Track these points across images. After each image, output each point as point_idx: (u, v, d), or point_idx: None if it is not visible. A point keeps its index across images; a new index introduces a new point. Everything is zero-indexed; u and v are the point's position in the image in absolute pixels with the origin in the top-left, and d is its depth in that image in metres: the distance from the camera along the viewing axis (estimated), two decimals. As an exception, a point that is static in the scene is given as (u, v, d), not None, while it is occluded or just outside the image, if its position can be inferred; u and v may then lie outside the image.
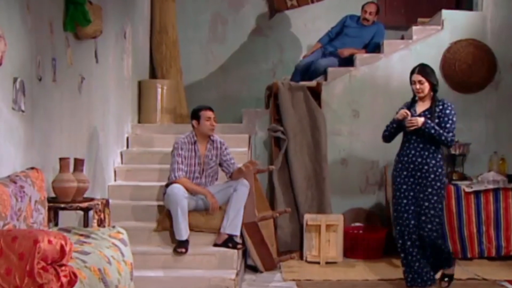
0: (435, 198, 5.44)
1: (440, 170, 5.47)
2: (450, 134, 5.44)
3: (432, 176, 5.44)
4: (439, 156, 5.51)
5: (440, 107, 5.50)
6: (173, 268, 5.66)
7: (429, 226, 5.42)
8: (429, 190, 5.44)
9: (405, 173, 5.53)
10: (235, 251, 5.78)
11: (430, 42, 7.53)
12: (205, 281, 5.45)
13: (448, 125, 5.44)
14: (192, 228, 5.83)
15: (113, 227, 4.65)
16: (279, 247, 6.76)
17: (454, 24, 7.55)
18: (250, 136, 7.40)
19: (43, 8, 4.95)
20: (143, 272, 5.26)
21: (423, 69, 5.56)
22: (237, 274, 5.62)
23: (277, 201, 6.99)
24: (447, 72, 7.50)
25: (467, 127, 7.45)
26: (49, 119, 5.07)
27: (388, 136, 5.76)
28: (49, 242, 2.86)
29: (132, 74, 7.68)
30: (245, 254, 6.29)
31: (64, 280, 2.92)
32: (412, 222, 5.46)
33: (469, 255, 6.79)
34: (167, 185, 5.93)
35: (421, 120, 5.41)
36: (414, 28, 7.65)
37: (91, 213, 5.04)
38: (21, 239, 2.82)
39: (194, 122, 6.02)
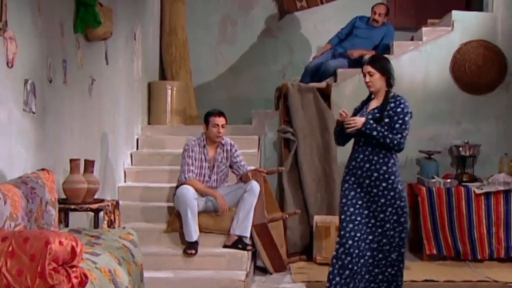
0: (391, 210, 4.71)
1: (393, 177, 4.71)
2: (398, 136, 4.67)
3: (384, 184, 4.70)
4: (392, 161, 4.74)
5: (392, 104, 4.75)
6: (183, 269, 5.67)
7: (387, 248, 4.76)
8: (382, 201, 4.71)
9: (352, 179, 4.81)
10: (245, 252, 5.79)
11: (440, 43, 7.51)
12: (215, 282, 5.46)
13: (397, 126, 4.68)
14: (202, 230, 5.83)
15: (123, 228, 4.67)
16: (288, 249, 6.76)
17: (464, 25, 7.53)
18: (260, 138, 7.41)
19: (54, 10, 4.97)
20: (153, 273, 5.26)
21: (374, 59, 4.88)
22: (246, 276, 5.62)
23: (286, 203, 6.99)
24: (457, 74, 7.48)
25: (477, 128, 7.43)
26: (60, 120, 5.09)
27: (337, 140, 5.06)
28: (60, 243, 2.87)
29: (142, 75, 7.70)
30: (254, 256, 6.29)
31: (75, 281, 2.93)
32: (358, 235, 4.72)
33: (479, 257, 6.77)
34: (177, 187, 5.95)
35: (361, 120, 4.69)
36: (424, 29, 7.64)
37: (101, 214, 5.06)
38: (33, 240, 2.84)
39: (204, 126, 6.04)
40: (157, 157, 7.19)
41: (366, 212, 4.76)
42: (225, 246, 5.87)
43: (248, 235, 5.91)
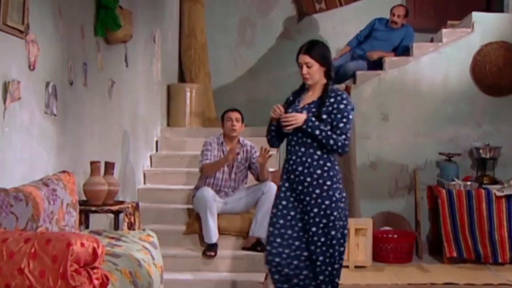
0: (325, 222, 4.03)
1: (329, 183, 4.06)
2: (343, 137, 4.05)
3: (318, 191, 4.03)
4: (329, 164, 4.10)
5: (332, 99, 4.10)
6: (202, 271, 5.69)
7: (320, 267, 4.07)
8: (315, 210, 4.02)
9: (286, 184, 4.17)
10: (264, 254, 5.77)
11: (460, 45, 7.46)
12: (234, 284, 5.47)
13: (341, 125, 4.05)
14: (221, 232, 5.84)
15: (143, 230, 4.69)
16: (307, 251, 6.74)
17: (485, 27, 7.47)
18: (279, 140, 7.39)
19: (75, 13, 5.01)
20: (172, 275, 5.28)
21: (312, 48, 4.18)
22: (265, 278, 5.61)
23: (305, 205, 6.97)
24: (478, 75, 7.42)
25: (498, 130, 7.37)
26: (80, 123, 5.13)
27: (271, 140, 4.35)
28: (82, 245, 2.89)
29: (161, 78, 7.73)
30: (273, 258, 6.27)
31: (96, 282, 2.95)
32: (286, 251, 4.09)
33: (500, 260, 6.71)
34: (196, 188, 5.96)
35: (301, 117, 4.04)
36: (444, 30, 7.59)
37: (121, 216, 5.08)
38: (55, 242, 2.86)
39: (222, 124, 6.13)
40: (176, 159, 7.21)
41: (300, 224, 4.10)
42: (244, 248, 5.87)
43: (267, 237, 5.90)
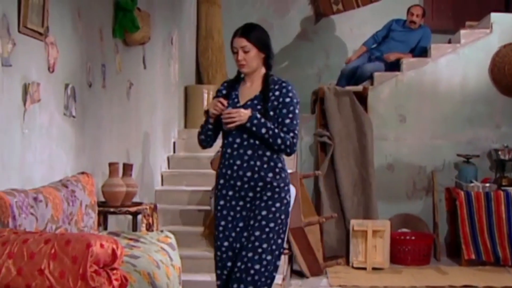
0: (272, 225, 3.60)
1: (282, 185, 3.66)
2: (291, 135, 3.60)
3: (269, 194, 3.60)
4: (280, 165, 3.66)
5: (277, 92, 3.64)
6: (220, 273, 5.68)
7: (255, 267, 3.59)
8: (263, 213, 3.59)
9: (230, 193, 3.65)
10: (282, 256, 5.77)
11: (479, 46, 7.41)
12: (252, 285, 5.46)
13: (287, 121, 3.59)
14: (238, 233, 5.84)
15: (161, 231, 4.70)
16: (325, 253, 6.74)
17: (503, 27, 7.42)
18: (296, 141, 7.39)
19: (94, 15, 5.04)
20: (190, 276, 5.29)
21: (249, 30, 3.66)
22: (283, 279, 5.62)
23: (323, 207, 6.97)
24: (496, 76, 7.36)
25: (517, 132, 7.33)
26: (99, 124, 5.15)
27: (205, 140, 3.78)
28: (101, 246, 2.91)
29: (179, 79, 7.75)
30: (291, 259, 6.28)
31: (115, 283, 2.96)
32: (238, 264, 3.64)
33: (519, 262, 6.67)
34: (214, 190, 5.96)
35: (246, 113, 3.54)
36: (462, 31, 7.55)
37: (139, 217, 5.10)
38: (75, 243, 2.88)
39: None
40: (193, 160, 7.23)
41: (245, 237, 3.65)
42: (261, 250, 5.86)
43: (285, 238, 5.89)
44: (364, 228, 6.66)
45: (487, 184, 6.84)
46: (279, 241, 3.66)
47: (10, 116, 3.76)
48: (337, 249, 6.89)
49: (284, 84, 3.68)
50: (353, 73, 7.89)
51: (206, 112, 3.74)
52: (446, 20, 8.92)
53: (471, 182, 6.88)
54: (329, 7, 8.65)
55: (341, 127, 7.16)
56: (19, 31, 3.82)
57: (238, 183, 3.62)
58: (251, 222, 3.61)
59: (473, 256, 6.70)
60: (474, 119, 7.35)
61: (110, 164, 4.97)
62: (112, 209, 4.91)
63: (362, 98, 7.30)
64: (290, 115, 3.61)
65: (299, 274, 6.26)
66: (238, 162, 3.61)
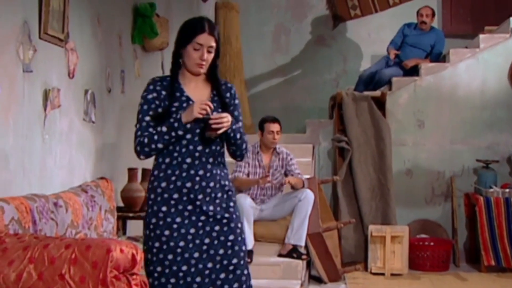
0: (232, 238, 3.17)
1: (234, 197, 3.31)
2: (244, 138, 3.31)
3: (224, 205, 3.21)
4: (227, 170, 3.32)
5: (228, 94, 3.34)
6: (238, 278, 5.68)
7: None
8: (216, 228, 3.15)
9: (180, 207, 3.11)
10: (300, 261, 5.78)
11: (498, 51, 7.37)
12: (270, 291, 5.47)
13: (240, 124, 3.31)
14: (257, 238, 5.85)
15: (180, 236, 4.70)
16: (343, 258, 6.72)
17: (523, 32, 7.38)
18: (314, 146, 7.40)
19: (113, 21, 5.08)
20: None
21: (215, 29, 3.25)
22: (301, 285, 5.61)
23: (341, 212, 6.95)
24: (516, 81, 7.32)
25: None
26: (118, 129, 5.18)
27: (158, 149, 3.14)
28: (121, 251, 2.92)
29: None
30: (309, 265, 6.27)
31: (135, 288, 2.98)
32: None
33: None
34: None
35: (229, 117, 3.16)
36: (481, 36, 7.50)
37: (158, 222, 5.10)
38: (95, 248, 2.89)
39: (259, 132, 6.09)
40: (211, 165, 7.22)
41: (201, 261, 3.11)
42: (280, 255, 5.86)
43: (303, 244, 5.89)
44: (382, 233, 6.63)
45: (507, 190, 6.78)
46: (244, 248, 3.22)
47: (31, 121, 3.79)
48: (355, 254, 6.87)
49: (229, 85, 3.39)
50: (371, 78, 7.87)
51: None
52: (465, 25, 8.87)
53: (491, 187, 6.83)
54: (347, 12, 8.63)
55: (359, 132, 7.15)
56: (40, 38, 3.86)
57: (200, 197, 3.13)
58: (215, 242, 3.13)
59: (492, 262, 6.65)
60: (493, 124, 7.30)
61: (129, 170, 4.99)
62: (131, 214, 4.93)
63: (380, 103, 7.28)
64: (240, 118, 3.35)
65: (317, 280, 6.24)
66: (201, 173, 3.16)
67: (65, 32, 4.14)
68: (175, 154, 3.15)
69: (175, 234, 3.05)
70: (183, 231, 3.07)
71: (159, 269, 2.99)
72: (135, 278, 3.01)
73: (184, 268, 3.03)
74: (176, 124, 3.10)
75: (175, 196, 3.11)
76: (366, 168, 7.08)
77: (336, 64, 9.16)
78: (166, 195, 3.11)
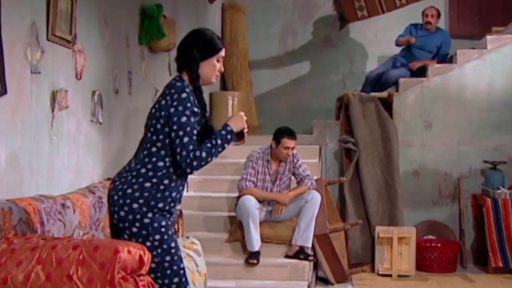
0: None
1: None
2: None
3: None
4: None
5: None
6: (245, 279, 5.69)
7: None
8: None
9: (171, 219, 3.28)
10: (307, 262, 5.77)
11: (505, 52, 7.35)
12: (277, 292, 5.47)
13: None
14: (263, 240, 5.85)
15: (187, 237, 4.71)
16: (350, 259, 6.71)
17: (530, 33, 7.36)
18: (321, 148, 7.39)
19: (120, 23, 5.09)
20: (215, 283, 5.30)
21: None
22: (308, 286, 5.61)
23: (348, 213, 6.94)
24: (524, 82, 7.30)
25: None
26: (125, 131, 5.19)
27: (209, 162, 3.15)
28: (129, 252, 2.92)
29: (204, 86, 7.76)
30: (316, 266, 6.27)
31: (142, 289, 2.98)
32: None
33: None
34: (238, 197, 5.97)
35: None
36: (488, 37, 7.48)
37: (165, 223, 5.11)
38: (102, 249, 2.89)
39: (273, 142, 5.99)
40: (218, 167, 7.22)
41: None
42: (286, 256, 5.86)
43: (310, 245, 5.89)
44: (389, 235, 6.62)
45: (515, 191, 6.78)
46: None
47: (39, 123, 3.80)
48: (362, 256, 6.86)
49: None
50: (378, 79, 7.86)
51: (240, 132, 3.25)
52: (472, 26, 8.86)
53: (498, 188, 6.82)
54: (353, 13, 8.62)
55: (366, 133, 7.14)
56: (47, 39, 3.87)
57: (173, 210, 3.26)
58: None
59: (500, 264, 6.63)
60: (500, 125, 7.28)
61: (136, 171, 4.98)
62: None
63: (387, 104, 7.27)
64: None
65: (324, 281, 6.24)
66: (181, 188, 3.29)
67: (72, 34, 4.14)
68: (174, 177, 3.18)
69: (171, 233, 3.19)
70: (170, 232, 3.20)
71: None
72: (143, 279, 3.01)
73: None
74: (229, 136, 3.16)
75: (167, 208, 3.20)
76: (373, 169, 7.08)
77: (343, 65, 9.16)
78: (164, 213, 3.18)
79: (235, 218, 6.09)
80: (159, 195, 3.13)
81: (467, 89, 7.36)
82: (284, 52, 9.30)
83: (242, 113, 3.26)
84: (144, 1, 5.61)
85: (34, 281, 2.88)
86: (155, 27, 5.59)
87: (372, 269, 6.72)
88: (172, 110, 3.10)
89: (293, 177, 6.14)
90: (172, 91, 3.16)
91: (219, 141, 3.12)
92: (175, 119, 3.08)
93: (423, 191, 7.32)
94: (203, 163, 3.10)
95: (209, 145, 3.11)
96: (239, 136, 3.24)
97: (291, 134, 5.94)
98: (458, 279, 6.47)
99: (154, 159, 3.16)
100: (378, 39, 9.01)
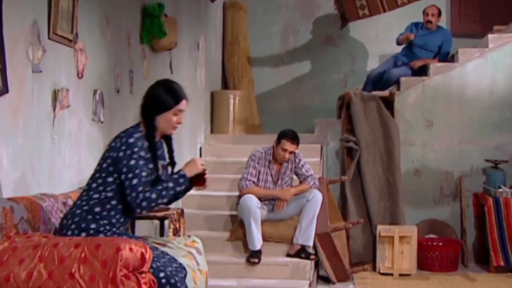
0: None
1: None
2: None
3: None
4: None
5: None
6: (246, 278, 5.69)
7: None
8: None
9: None
10: (308, 261, 5.77)
11: (507, 50, 7.34)
12: (278, 291, 5.47)
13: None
14: (265, 238, 5.85)
15: (189, 236, 4.71)
16: (351, 258, 6.71)
17: (532, 31, 7.35)
18: (322, 146, 7.39)
19: (121, 22, 5.09)
20: (216, 281, 5.29)
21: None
22: (310, 285, 5.61)
23: (349, 212, 6.94)
24: (525, 81, 7.30)
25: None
26: (127, 130, 5.18)
27: (159, 204, 3.42)
28: (131, 250, 2.93)
29: (205, 85, 7.78)
30: (317, 265, 6.27)
31: (144, 287, 2.98)
32: None
33: None
34: (240, 196, 5.97)
35: None
36: (490, 36, 7.48)
37: (166, 222, 5.12)
38: (104, 247, 2.90)
39: (275, 142, 5.97)
40: (220, 165, 7.24)
41: None
42: (288, 255, 5.86)
43: (311, 244, 5.89)
44: (391, 233, 6.62)
45: (516, 190, 6.78)
46: None
47: (40, 121, 3.81)
48: (364, 254, 6.86)
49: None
50: (379, 78, 7.86)
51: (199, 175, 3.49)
52: (474, 25, 8.86)
53: (500, 187, 6.81)
54: (355, 12, 8.62)
55: (368, 132, 7.14)
56: (49, 38, 3.87)
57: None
58: None
59: (502, 263, 6.63)
60: (502, 124, 7.28)
61: (138, 169, 4.99)
62: (139, 214, 4.92)
63: (388, 103, 7.27)
64: None
65: (326, 280, 6.24)
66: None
67: (74, 33, 4.15)
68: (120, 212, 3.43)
69: None
70: None
71: None
72: (144, 276, 3.01)
73: None
74: (181, 180, 3.39)
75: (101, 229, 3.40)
76: (374, 168, 7.07)
77: (344, 64, 9.16)
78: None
79: (237, 217, 6.09)
80: (89, 217, 3.36)
81: (468, 88, 7.36)
82: (286, 51, 9.30)
83: (198, 159, 3.50)
84: (146, 0, 5.61)
85: (36, 279, 2.89)
86: (157, 26, 5.59)
87: (374, 268, 6.72)
88: (121, 154, 3.31)
89: (295, 177, 6.14)
90: (123, 135, 3.41)
91: (170, 184, 3.35)
92: (124, 162, 3.29)
93: (425, 190, 7.32)
94: (152, 204, 3.32)
95: (160, 187, 3.32)
96: (200, 181, 3.46)
97: (292, 138, 5.89)
98: (460, 278, 6.47)
99: (91, 193, 3.41)
100: (379, 38, 9.01)
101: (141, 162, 3.29)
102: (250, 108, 8.48)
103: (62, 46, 4.04)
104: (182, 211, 5.34)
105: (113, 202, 3.39)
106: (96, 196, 3.39)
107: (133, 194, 3.27)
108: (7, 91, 3.43)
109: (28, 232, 3.29)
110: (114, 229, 3.39)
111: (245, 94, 8.39)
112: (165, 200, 3.36)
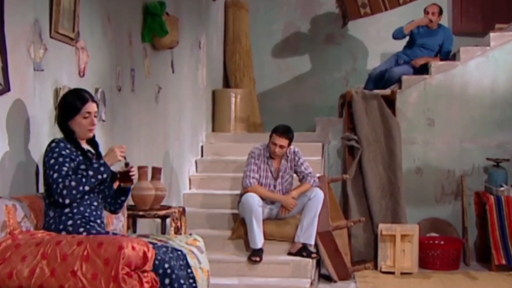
0: None
1: None
2: None
3: None
4: None
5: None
6: (248, 276, 5.69)
7: None
8: None
9: None
10: (310, 260, 5.78)
11: (508, 49, 7.33)
12: (280, 289, 5.47)
13: None
14: (266, 237, 5.85)
15: (190, 234, 4.71)
16: (353, 257, 6.71)
17: (534, 30, 7.35)
18: (324, 145, 7.39)
19: (123, 20, 5.09)
20: (218, 280, 5.29)
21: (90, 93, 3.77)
22: (311, 283, 5.61)
23: (351, 210, 6.94)
24: (527, 79, 7.29)
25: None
26: (128, 128, 5.19)
27: (82, 191, 3.45)
28: (133, 248, 2.93)
29: (206, 83, 7.78)
30: (319, 263, 6.27)
31: (146, 286, 2.98)
32: None
33: None
34: (241, 194, 5.97)
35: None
36: (491, 34, 7.47)
37: (168, 220, 5.12)
38: (107, 245, 2.91)
39: (269, 138, 6.01)
40: (221, 164, 7.25)
41: None
42: (289, 254, 5.87)
43: (313, 242, 5.89)
44: (392, 232, 6.62)
45: (518, 188, 6.77)
46: None
47: (41, 120, 3.81)
48: (365, 253, 6.86)
49: None
50: (381, 77, 7.85)
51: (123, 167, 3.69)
52: (475, 23, 8.85)
53: (501, 186, 6.81)
54: (356, 10, 8.61)
55: (369, 130, 7.13)
56: (50, 36, 3.87)
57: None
58: None
59: (503, 261, 6.63)
60: (503, 123, 7.27)
61: (139, 168, 4.99)
62: (141, 213, 4.94)
63: (390, 101, 7.27)
64: None
65: (327, 279, 6.24)
66: (99, 221, 3.59)
67: (75, 31, 4.14)
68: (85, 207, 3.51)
69: None
70: None
71: None
72: (147, 275, 3.02)
73: None
74: (102, 168, 3.47)
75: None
76: (376, 166, 7.07)
77: (346, 62, 9.16)
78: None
79: (238, 216, 6.09)
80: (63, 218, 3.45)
81: (470, 87, 7.35)
82: (287, 50, 9.29)
83: (117, 147, 3.61)
84: (147, -1, 5.61)
85: (38, 276, 2.89)
86: (158, 25, 5.59)
87: (375, 267, 6.72)
88: (46, 158, 3.47)
89: (295, 175, 6.14)
90: (48, 143, 3.55)
91: (90, 172, 3.45)
92: (47, 164, 3.44)
93: (426, 189, 7.32)
94: (73, 192, 3.39)
95: (79, 175, 3.43)
96: (126, 178, 3.65)
97: (282, 132, 5.88)
98: (461, 277, 6.47)
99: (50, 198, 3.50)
100: (380, 36, 8.99)
101: (60, 159, 3.42)
102: (251, 107, 8.47)
103: (63, 45, 4.04)
104: (184, 209, 5.34)
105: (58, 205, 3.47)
106: (52, 199, 3.47)
107: (54, 186, 3.38)
108: (8, 90, 3.43)
109: (31, 230, 3.29)
110: (91, 223, 3.47)
111: (246, 92, 8.38)
112: (86, 188, 3.42)
